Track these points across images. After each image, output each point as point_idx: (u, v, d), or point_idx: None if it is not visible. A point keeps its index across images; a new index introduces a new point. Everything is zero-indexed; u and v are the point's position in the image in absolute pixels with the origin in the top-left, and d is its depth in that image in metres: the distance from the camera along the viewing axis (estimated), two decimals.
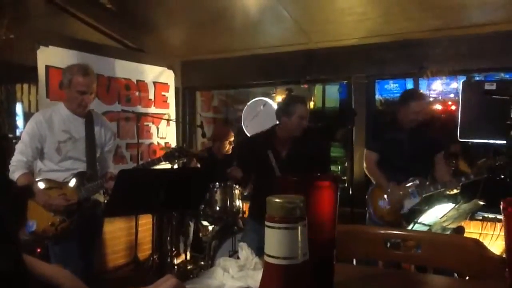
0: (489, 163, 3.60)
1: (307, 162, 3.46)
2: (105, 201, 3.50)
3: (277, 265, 0.68)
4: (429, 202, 3.68)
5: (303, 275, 0.69)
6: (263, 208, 0.70)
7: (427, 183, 3.74)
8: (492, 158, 3.66)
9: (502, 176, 3.51)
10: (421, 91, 4.28)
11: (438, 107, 6.09)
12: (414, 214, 3.63)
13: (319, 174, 1.09)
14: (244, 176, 3.85)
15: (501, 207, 0.98)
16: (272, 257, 0.68)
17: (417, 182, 3.73)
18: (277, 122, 3.76)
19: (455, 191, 3.68)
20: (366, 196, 3.99)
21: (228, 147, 5.15)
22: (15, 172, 3.11)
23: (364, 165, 4.03)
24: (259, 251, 1.31)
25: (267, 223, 0.68)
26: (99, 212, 3.42)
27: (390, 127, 3.97)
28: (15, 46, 3.97)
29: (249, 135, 5.90)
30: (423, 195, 3.70)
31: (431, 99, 5.77)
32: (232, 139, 5.19)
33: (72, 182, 3.24)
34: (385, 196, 3.81)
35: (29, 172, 3.17)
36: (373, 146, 3.99)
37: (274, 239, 0.68)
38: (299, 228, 0.68)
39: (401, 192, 3.73)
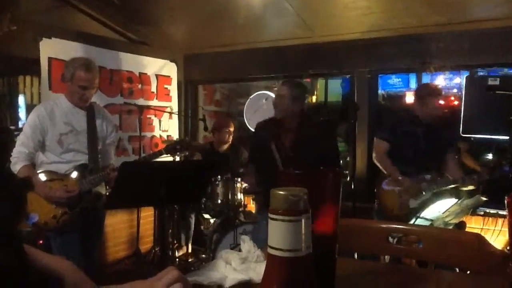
0: (498, 161, 3.59)
1: (313, 154, 3.40)
2: (107, 193, 3.50)
3: (281, 257, 0.68)
4: (437, 197, 3.65)
5: (306, 268, 0.69)
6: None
7: (439, 178, 3.71)
8: (499, 155, 3.66)
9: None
10: (438, 85, 4.22)
11: (441, 102, 6.08)
12: (420, 208, 3.61)
13: (322, 168, 1.09)
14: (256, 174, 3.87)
15: (505, 201, 0.98)
16: (276, 249, 0.68)
17: (429, 177, 3.70)
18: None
19: (471, 187, 3.65)
20: (375, 189, 3.95)
21: (227, 137, 5.15)
22: (17, 164, 3.10)
23: (374, 154, 3.93)
24: None
25: (270, 215, 0.68)
26: (101, 204, 3.43)
27: (406, 120, 3.92)
28: (17, 38, 3.97)
29: (251, 128, 5.91)
30: (434, 191, 3.67)
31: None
32: (232, 128, 5.18)
33: (74, 174, 3.24)
34: (396, 189, 3.76)
35: (30, 164, 3.16)
36: (384, 136, 3.89)
37: (278, 232, 0.68)
38: (303, 220, 0.68)
39: (413, 187, 3.70)
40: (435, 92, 3.84)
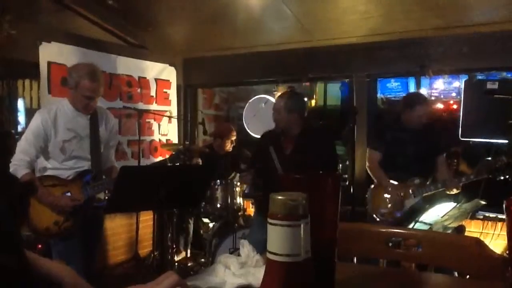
0: (489, 164, 3.59)
1: (312, 160, 3.39)
2: (106, 198, 3.49)
3: (280, 262, 0.68)
4: (431, 201, 3.68)
5: (305, 273, 0.69)
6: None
7: (427, 182, 3.74)
8: (492, 159, 3.66)
9: (502, 177, 3.51)
10: (424, 94, 4.30)
11: (439, 106, 6.09)
12: (415, 213, 3.62)
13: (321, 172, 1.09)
14: (256, 177, 3.87)
15: (504, 206, 0.98)
16: (275, 254, 0.68)
17: (418, 181, 3.74)
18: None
19: (455, 191, 3.68)
20: (366, 195, 3.99)
21: (229, 146, 5.15)
22: (17, 171, 3.03)
23: (367, 164, 4.03)
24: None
25: (269, 220, 0.68)
26: (101, 209, 3.41)
27: (394, 127, 3.98)
28: (17, 42, 3.97)
29: (250, 132, 5.92)
30: (423, 195, 3.70)
31: (433, 99, 5.77)
32: (234, 137, 5.18)
33: (78, 181, 3.19)
34: (385, 195, 3.81)
35: (31, 172, 3.11)
36: (376, 146, 4.00)
37: (277, 237, 0.68)
38: (302, 225, 0.68)
39: (401, 192, 3.73)
40: (421, 100, 3.89)
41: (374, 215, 3.87)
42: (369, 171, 4.03)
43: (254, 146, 4.26)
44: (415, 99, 3.92)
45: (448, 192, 3.69)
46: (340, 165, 6.63)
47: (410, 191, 3.73)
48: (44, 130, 3.11)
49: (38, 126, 3.11)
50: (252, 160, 4.10)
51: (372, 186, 3.98)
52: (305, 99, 3.82)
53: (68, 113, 3.21)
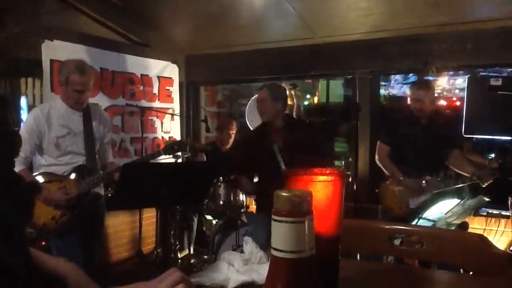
0: (499, 163, 3.58)
1: (304, 155, 3.42)
2: (106, 194, 3.50)
3: (284, 259, 0.68)
4: (439, 198, 3.67)
5: (310, 270, 0.69)
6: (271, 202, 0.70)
7: (438, 179, 3.73)
8: (502, 157, 3.64)
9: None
10: (428, 79, 4.28)
11: (443, 103, 6.08)
12: (420, 209, 3.62)
13: (323, 167, 1.09)
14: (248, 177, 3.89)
15: (509, 202, 0.98)
16: (279, 250, 0.68)
17: (429, 178, 3.73)
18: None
19: (489, 180, 3.61)
20: (377, 190, 3.99)
21: (229, 139, 5.14)
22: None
23: (376, 157, 4.04)
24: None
25: (274, 217, 0.68)
26: (100, 205, 3.43)
27: (405, 122, 4.00)
28: (20, 40, 3.97)
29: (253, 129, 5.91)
30: (433, 192, 3.69)
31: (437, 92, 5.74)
32: (233, 131, 5.17)
33: (73, 176, 3.23)
34: (396, 190, 3.80)
35: (26, 168, 3.16)
36: (386, 139, 4.01)
37: (281, 233, 0.68)
38: (306, 222, 0.68)
39: (413, 187, 3.73)
40: (421, 83, 3.90)
41: (386, 211, 3.87)
42: (378, 163, 4.03)
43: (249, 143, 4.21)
44: (416, 83, 4.00)
45: (483, 185, 3.64)
46: (343, 162, 6.65)
47: (421, 187, 3.73)
48: (37, 127, 3.17)
49: (31, 124, 3.19)
50: (243, 167, 4.07)
51: (384, 182, 3.96)
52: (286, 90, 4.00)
53: (60, 110, 3.28)
